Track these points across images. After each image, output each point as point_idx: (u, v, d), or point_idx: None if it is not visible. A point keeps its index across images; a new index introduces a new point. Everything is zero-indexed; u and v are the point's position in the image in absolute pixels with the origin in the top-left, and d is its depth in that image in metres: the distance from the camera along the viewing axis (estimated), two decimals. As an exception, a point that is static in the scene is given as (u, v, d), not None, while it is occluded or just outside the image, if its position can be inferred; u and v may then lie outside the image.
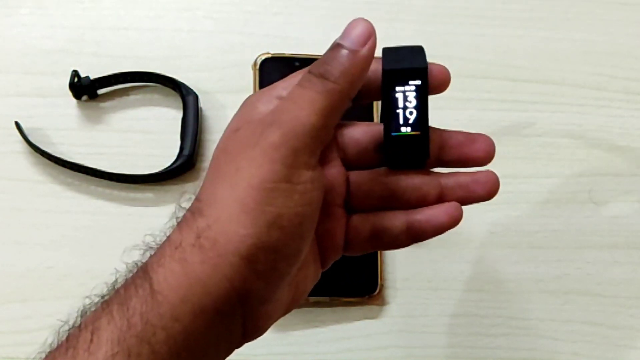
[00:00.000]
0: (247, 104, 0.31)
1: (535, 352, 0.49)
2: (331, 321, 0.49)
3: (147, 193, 0.51)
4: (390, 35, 0.55)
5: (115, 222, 0.50)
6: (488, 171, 0.33)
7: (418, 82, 0.32)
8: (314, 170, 0.29)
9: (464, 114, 0.53)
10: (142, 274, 0.28)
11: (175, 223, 0.29)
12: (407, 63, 0.32)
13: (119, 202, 0.51)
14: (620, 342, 0.49)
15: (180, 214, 0.30)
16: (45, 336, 0.29)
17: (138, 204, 0.51)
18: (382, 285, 0.49)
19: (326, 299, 0.49)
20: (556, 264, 0.51)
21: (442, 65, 0.33)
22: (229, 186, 0.28)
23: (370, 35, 0.30)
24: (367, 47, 0.30)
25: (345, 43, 0.30)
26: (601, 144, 0.53)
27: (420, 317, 0.49)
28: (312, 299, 0.48)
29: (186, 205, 0.30)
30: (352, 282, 0.49)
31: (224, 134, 0.31)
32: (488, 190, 0.33)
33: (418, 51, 0.33)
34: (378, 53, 0.31)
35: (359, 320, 0.49)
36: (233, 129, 0.30)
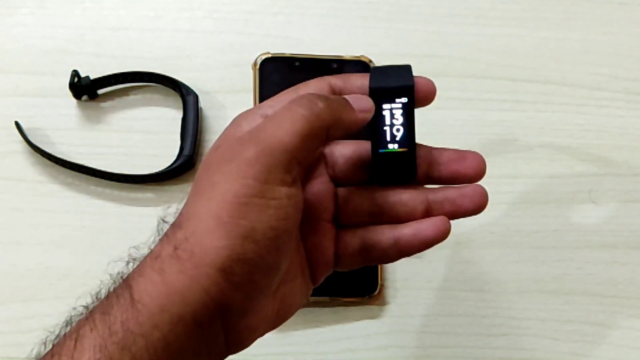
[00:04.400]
0: (232, 122, 0.32)
1: (535, 352, 0.49)
2: (331, 321, 0.49)
3: (147, 193, 0.51)
4: (391, 36, 0.55)
5: (115, 222, 0.50)
6: (476, 185, 0.34)
7: (404, 100, 0.32)
8: (290, 187, 0.29)
9: (464, 114, 0.53)
10: (123, 284, 0.28)
11: (158, 236, 0.30)
12: (394, 81, 0.33)
13: (119, 202, 0.51)
14: (620, 342, 0.49)
15: (164, 228, 0.30)
16: (41, 339, 0.30)
17: (138, 204, 0.51)
18: (382, 285, 0.49)
19: (326, 299, 0.49)
20: (556, 264, 0.51)
21: (427, 79, 0.33)
22: (205, 200, 0.28)
23: (370, 110, 0.32)
24: (363, 115, 0.32)
25: (350, 99, 0.31)
26: (601, 144, 0.53)
27: (420, 317, 0.49)
28: (312, 299, 0.48)
29: (169, 219, 0.30)
30: (352, 282, 0.49)
31: (208, 151, 0.31)
32: (476, 204, 0.33)
33: (405, 70, 0.33)
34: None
35: (359, 320, 0.49)
36: (215, 147, 0.31)
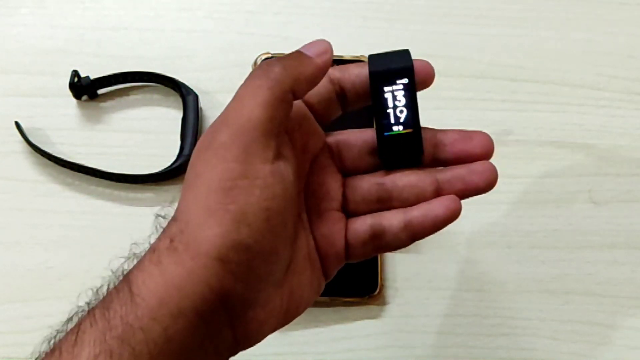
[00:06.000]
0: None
1: (535, 352, 0.49)
2: (331, 321, 0.49)
3: (147, 193, 0.51)
4: (391, 36, 0.55)
5: (115, 222, 0.50)
6: (485, 161, 0.33)
7: (405, 81, 0.32)
8: (272, 163, 0.29)
9: (464, 114, 0.53)
10: (123, 279, 0.28)
11: (156, 231, 0.30)
12: (393, 64, 0.33)
13: (119, 202, 0.51)
14: (620, 342, 0.49)
15: (161, 222, 0.30)
16: (45, 336, 0.30)
17: (138, 204, 0.51)
18: (382, 285, 0.49)
19: (326, 299, 0.49)
20: (556, 264, 0.51)
21: (425, 61, 0.33)
22: (193, 191, 0.29)
23: (327, 51, 0.32)
24: (321, 58, 0.31)
25: (303, 49, 0.32)
26: (601, 144, 0.53)
27: (420, 317, 0.49)
28: (312, 299, 0.48)
29: (165, 213, 0.31)
30: (352, 282, 0.49)
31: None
32: (486, 180, 0.32)
33: (402, 53, 0.33)
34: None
35: (359, 320, 0.49)
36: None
